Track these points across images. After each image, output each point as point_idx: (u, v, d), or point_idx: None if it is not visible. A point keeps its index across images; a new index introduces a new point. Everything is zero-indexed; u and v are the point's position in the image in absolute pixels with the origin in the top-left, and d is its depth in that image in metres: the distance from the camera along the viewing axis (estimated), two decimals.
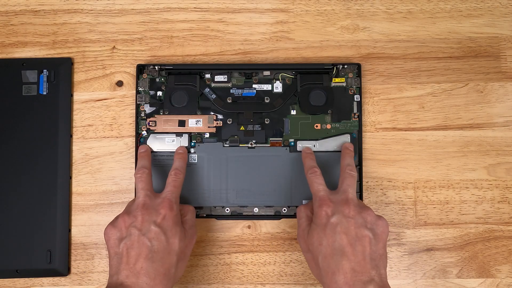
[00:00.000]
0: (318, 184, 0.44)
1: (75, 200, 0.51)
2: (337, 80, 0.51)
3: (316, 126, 0.50)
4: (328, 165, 0.49)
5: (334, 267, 0.40)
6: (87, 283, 0.50)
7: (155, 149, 0.50)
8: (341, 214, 0.41)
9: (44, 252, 0.49)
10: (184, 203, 0.49)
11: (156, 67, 0.50)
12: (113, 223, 0.42)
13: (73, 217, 0.50)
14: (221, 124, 0.50)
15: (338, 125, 0.50)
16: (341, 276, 0.39)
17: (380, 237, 0.41)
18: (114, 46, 0.52)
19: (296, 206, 0.49)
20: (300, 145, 0.50)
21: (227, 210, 0.50)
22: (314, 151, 0.49)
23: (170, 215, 0.43)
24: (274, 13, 0.53)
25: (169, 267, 0.41)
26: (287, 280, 0.50)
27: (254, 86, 0.51)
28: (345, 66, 0.51)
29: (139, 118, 0.50)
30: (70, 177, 0.51)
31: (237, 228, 0.51)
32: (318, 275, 0.42)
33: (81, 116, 0.51)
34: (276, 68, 0.51)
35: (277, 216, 0.50)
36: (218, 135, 0.50)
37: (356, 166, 0.50)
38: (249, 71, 0.51)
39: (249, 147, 0.50)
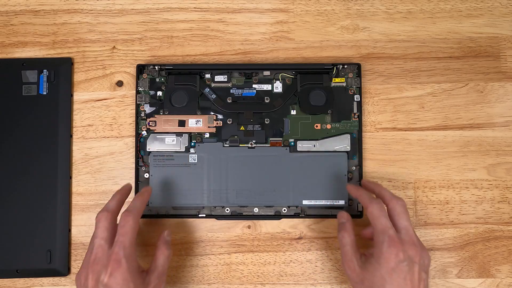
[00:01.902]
0: (386, 220, 0.41)
1: (75, 200, 0.51)
2: (337, 80, 0.51)
3: (316, 126, 0.50)
4: (328, 165, 0.49)
5: None
6: None
7: (155, 149, 0.50)
8: (410, 260, 0.40)
9: (44, 252, 0.49)
10: (184, 203, 0.49)
11: (156, 67, 0.50)
12: (78, 274, 0.41)
13: (73, 217, 0.50)
14: (221, 124, 0.50)
15: (338, 125, 0.50)
16: None
17: (428, 274, 0.42)
18: (114, 46, 0.52)
19: (296, 206, 0.49)
20: (300, 145, 0.50)
21: (227, 210, 0.50)
22: (314, 151, 0.49)
23: (119, 271, 0.39)
24: (274, 13, 0.53)
25: None
26: (287, 280, 0.50)
27: (254, 86, 0.51)
28: (345, 66, 0.51)
29: (139, 118, 0.50)
30: (70, 177, 0.51)
31: (237, 228, 0.51)
32: None
33: (81, 116, 0.51)
34: (276, 68, 0.51)
35: (277, 216, 0.50)
36: (218, 135, 0.50)
37: (356, 166, 0.50)
38: (249, 71, 0.51)
39: (249, 147, 0.50)
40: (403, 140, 0.51)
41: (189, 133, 0.50)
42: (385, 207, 0.43)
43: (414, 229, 0.42)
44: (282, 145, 0.50)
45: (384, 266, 0.40)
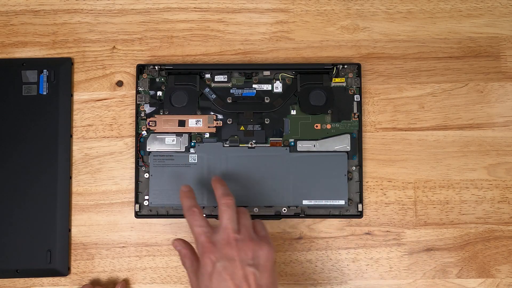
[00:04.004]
0: (197, 226, 0.41)
1: (75, 200, 0.51)
2: (337, 80, 0.51)
3: (316, 126, 0.50)
4: (328, 165, 0.49)
5: None
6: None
7: (155, 149, 0.50)
8: (225, 258, 0.39)
9: (44, 252, 0.49)
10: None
11: (156, 67, 0.50)
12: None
13: (73, 217, 0.50)
14: (221, 124, 0.50)
15: (338, 125, 0.50)
16: None
17: (264, 268, 0.39)
18: (114, 46, 0.52)
19: (296, 206, 0.49)
20: (300, 145, 0.50)
21: None
22: (314, 151, 0.49)
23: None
24: (274, 13, 0.53)
25: None
26: (287, 280, 0.50)
27: (254, 86, 0.51)
28: (345, 66, 0.51)
29: (139, 118, 0.50)
30: (70, 177, 0.51)
31: None
32: None
33: (81, 116, 0.51)
34: (276, 68, 0.51)
35: (277, 216, 0.50)
36: (218, 135, 0.50)
37: (356, 166, 0.50)
38: (249, 71, 0.51)
39: (249, 147, 0.50)
40: (403, 140, 0.51)
41: (189, 133, 0.50)
42: (198, 212, 0.42)
43: (247, 224, 0.42)
44: (282, 145, 0.50)
45: (205, 274, 0.39)
